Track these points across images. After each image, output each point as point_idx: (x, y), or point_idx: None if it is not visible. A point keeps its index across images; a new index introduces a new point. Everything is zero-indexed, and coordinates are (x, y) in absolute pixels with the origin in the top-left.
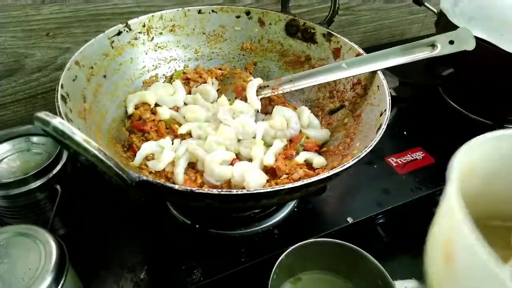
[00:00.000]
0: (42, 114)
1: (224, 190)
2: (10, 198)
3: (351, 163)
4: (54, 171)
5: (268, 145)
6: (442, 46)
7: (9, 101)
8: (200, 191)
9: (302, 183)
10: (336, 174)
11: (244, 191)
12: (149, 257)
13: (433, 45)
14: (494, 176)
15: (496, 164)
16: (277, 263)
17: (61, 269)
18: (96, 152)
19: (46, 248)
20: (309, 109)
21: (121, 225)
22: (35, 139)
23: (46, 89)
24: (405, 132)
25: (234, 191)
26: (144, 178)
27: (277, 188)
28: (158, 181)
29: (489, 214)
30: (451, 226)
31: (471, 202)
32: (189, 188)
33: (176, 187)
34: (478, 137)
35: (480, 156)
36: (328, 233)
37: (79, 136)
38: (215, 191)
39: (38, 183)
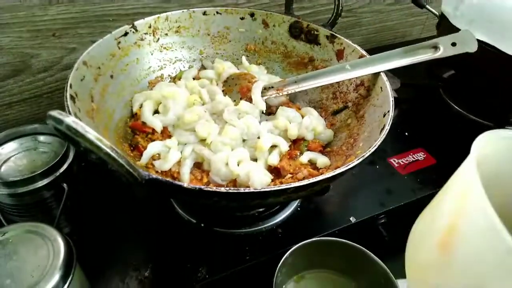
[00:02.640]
0: (55, 113)
1: (232, 188)
2: (17, 196)
3: (356, 162)
4: (61, 170)
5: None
6: (444, 48)
7: (15, 101)
8: (209, 189)
9: (308, 182)
10: (341, 174)
11: (252, 190)
12: (154, 255)
13: (435, 47)
14: (498, 176)
15: (503, 164)
16: (281, 261)
17: (69, 266)
18: (109, 150)
19: (54, 245)
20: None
21: (127, 223)
22: (41, 138)
23: (51, 88)
24: (406, 133)
25: (242, 189)
26: (154, 176)
27: (284, 186)
28: (168, 180)
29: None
30: (460, 209)
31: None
32: (197, 186)
33: (185, 185)
34: (499, 130)
35: (492, 150)
36: (331, 232)
37: (92, 134)
38: (223, 189)
39: (45, 181)
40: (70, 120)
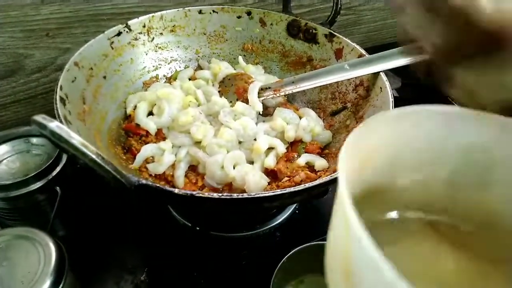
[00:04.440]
0: (39, 118)
1: (224, 194)
2: (10, 200)
3: None
4: (54, 173)
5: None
6: None
7: (9, 102)
8: (200, 195)
9: (304, 187)
10: None
11: (245, 195)
12: (149, 259)
13: None
14: (403, 160)
15: (400, 145)
16: (278, 266)
17: (61, 272)
18: (94, 156)
19: (46, 251)
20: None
21: (122, 226)
22: (34, 140)
23: (46, 89)
24: None
25: (235, 195)
26: (144, 182)
27: (279, 192)
28: (158, 185)
29: (406, 202)
30: (347, 237)
31: (380, 191)
32: (189, 192)
33: (176, 191)
34: (374, 116)
35: (380, 139)
36: None
37: (76, 140)
38: (215, 195)
39: (38, 184)
40: (54, 125)
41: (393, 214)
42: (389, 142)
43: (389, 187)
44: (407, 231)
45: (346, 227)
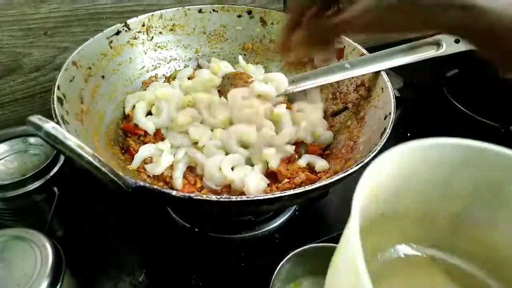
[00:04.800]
0: (35, 118)
1: (223, 196)
2: (7, 200)
3: (354, 168)
4: (52, 173)
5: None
6: (447, 45)
7: (7, 101)
8: (199, 197)
9: (303, 189)
10: (339, 180)
11: (244, 198)
12: (148, 261)
13: (438, 44)
14: (410, 193)
15: (411, 179)
16: (277, 268)
17: (57, 274)
18: (90, 158)
19: (42, 252)
20: None
21: (120, 227)
22: (32, 140)
23: (44, 88)
24: (409, 134)
25: (234, 198)
26: (141, 184)
27: (278, 194)
28: (155, 187)
29: (412, 235)
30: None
31: (386, 223)
32: (187, 194)
33: (174, 193)
34: (380, 157)
35: (388, 174)
36: (330, 237)
37: (72, 141)
38: (213, 197)
39: (35, 184)
40: (49, 126)
41: (398, 247)
42: (398, 177)
43: (395, 219)
44: (409, 264)
45: (355, 275)
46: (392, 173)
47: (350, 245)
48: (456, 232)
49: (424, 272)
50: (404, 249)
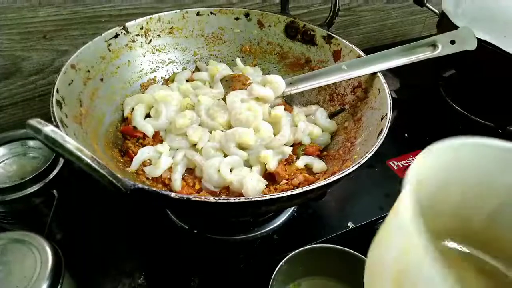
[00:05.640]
0: (34, 122)
1: (221, 198)
2: (6, 203)
3: (351, 169)
4: (51, 176)
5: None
6: (443, 46)
7: (7, 104)
8: (197, 199)
9: (301, 190)
10: (336, 181)
11: (242, 199)
12: (147, 262)
13: (434, 45)
14: (448, 188)
15: (452, 175)
16: (276, 269)
17: (57, 276)
18: (89, 161)
19: (42, 255)
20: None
21: (119, 230)
22: (31, 143)
23: (43, 92)
24: (406, 135)
25: (232, 199)
26: (140, 186)
27: (276, 195)
28: (154, 189)
29: (442, 230)
30: (406, 251)
31: (426, 217)
32: (185, 196)
33: (172, 195)
34: (434, 144)
35: (433, 166)
36: (328, 238)
37: (71, 144)
38: (212, 199)
39: (34, 188)
40: (48, 129)
41: (436, 243)
42: (441, 170)
43: (435, 213)
44: (444, 258)
45: (405, 240)
46: (437, 166)
47: (404, 206)
48: (491, 231)
49: (458, 267)
50: (439, 244)
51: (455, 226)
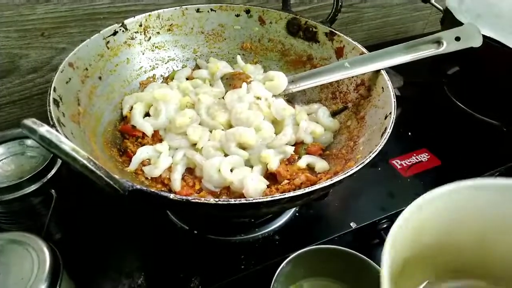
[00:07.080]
0: (29, 122)
1: (221, 199)
2: (4, 203)
3: (355, 169)
4: (49, 175)
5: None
6: (448, 43)
7: (4, 103)
8: (196, 200)
9: (303, 191)
10: (339, 182)
11: (243, 201)
12: (147, 263)
13: (438, 42)
14: (450, 230)
15: (452, 217)
16: (278, 270)
17: (55, 278)
18: (85, 162)
19: (40, 256)
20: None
21: (118, 230)
22: (29, 142)
23: (42, 90)
24: (409, 133)
25: (232, 201)
26: (138, 187)
27: (277, 197)
28: (152, 190)
29: (448, 268)
30: None
31: (428, 256)
32: (184, 197)
33: (171, 196)
34: (424, 195)
35: (431, 213)
36: (330, 238)
37: (67, 145)
38: (212, 200)
39: (32, 187)
40: (43, 129)
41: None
42: (450, 212)
43: (444, 253)
44: None
45: None
46: (443, 208)
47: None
48: (485, 261)
49: None
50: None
51: (476, 263)
